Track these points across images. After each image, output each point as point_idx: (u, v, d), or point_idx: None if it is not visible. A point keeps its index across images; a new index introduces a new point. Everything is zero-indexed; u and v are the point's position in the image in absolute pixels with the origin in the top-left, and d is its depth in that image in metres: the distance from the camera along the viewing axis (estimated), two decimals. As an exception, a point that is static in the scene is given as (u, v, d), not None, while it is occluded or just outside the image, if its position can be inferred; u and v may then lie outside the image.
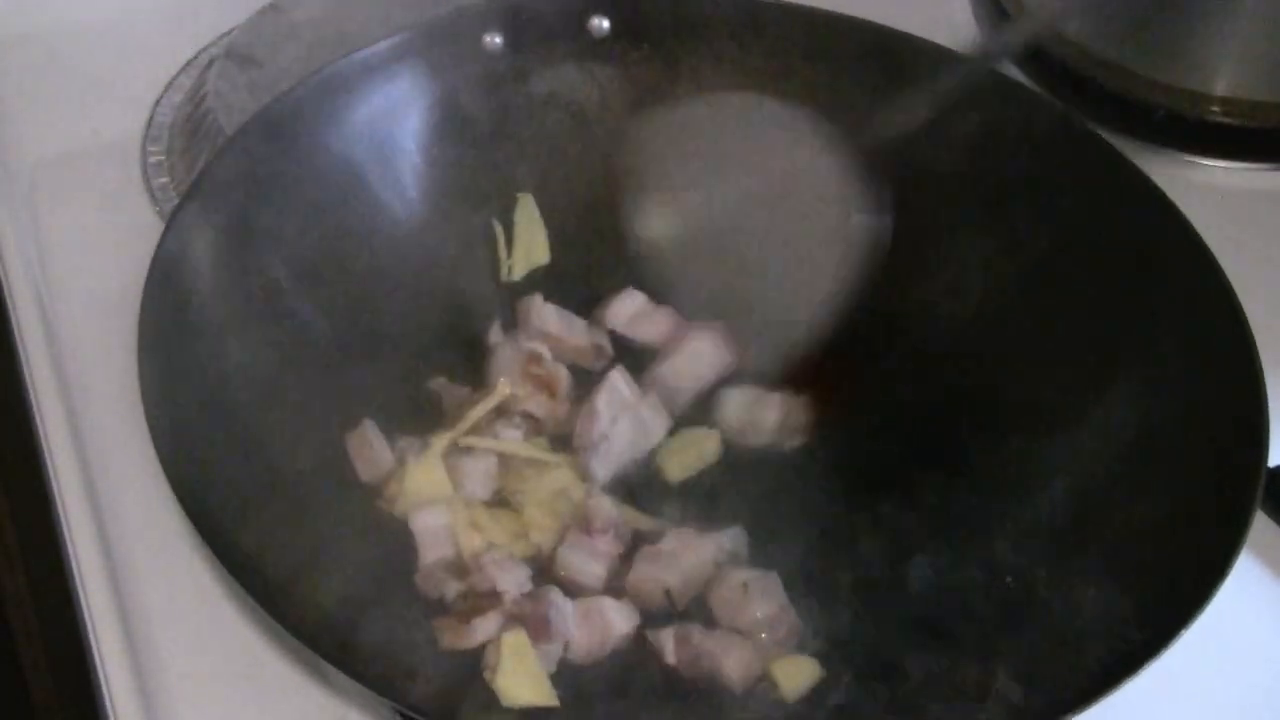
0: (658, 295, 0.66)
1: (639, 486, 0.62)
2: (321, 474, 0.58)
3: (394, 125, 0.66)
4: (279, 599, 0.49)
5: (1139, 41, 0.81)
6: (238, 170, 0.61)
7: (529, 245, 0.68)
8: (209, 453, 0.53)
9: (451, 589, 0.56)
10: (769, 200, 0.61)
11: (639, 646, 0.56)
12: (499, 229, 0.68)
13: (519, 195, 0.68)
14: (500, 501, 0.60)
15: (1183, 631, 0.48)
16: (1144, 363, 0.60)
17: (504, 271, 0.67)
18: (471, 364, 0.65)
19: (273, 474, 0.56)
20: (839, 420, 0.64)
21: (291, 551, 0.53)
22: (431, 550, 0.57)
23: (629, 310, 0.67)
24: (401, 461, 0.60)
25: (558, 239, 0.69)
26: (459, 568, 0.57)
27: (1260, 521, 0.61)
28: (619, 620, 0.56)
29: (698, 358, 0.64)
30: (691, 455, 0.62)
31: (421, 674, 0.53)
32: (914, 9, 0.73)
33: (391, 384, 0.63)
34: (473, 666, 0.54)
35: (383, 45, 0.65)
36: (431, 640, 0.55)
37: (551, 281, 0.68)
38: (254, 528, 0.52)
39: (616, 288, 0.67)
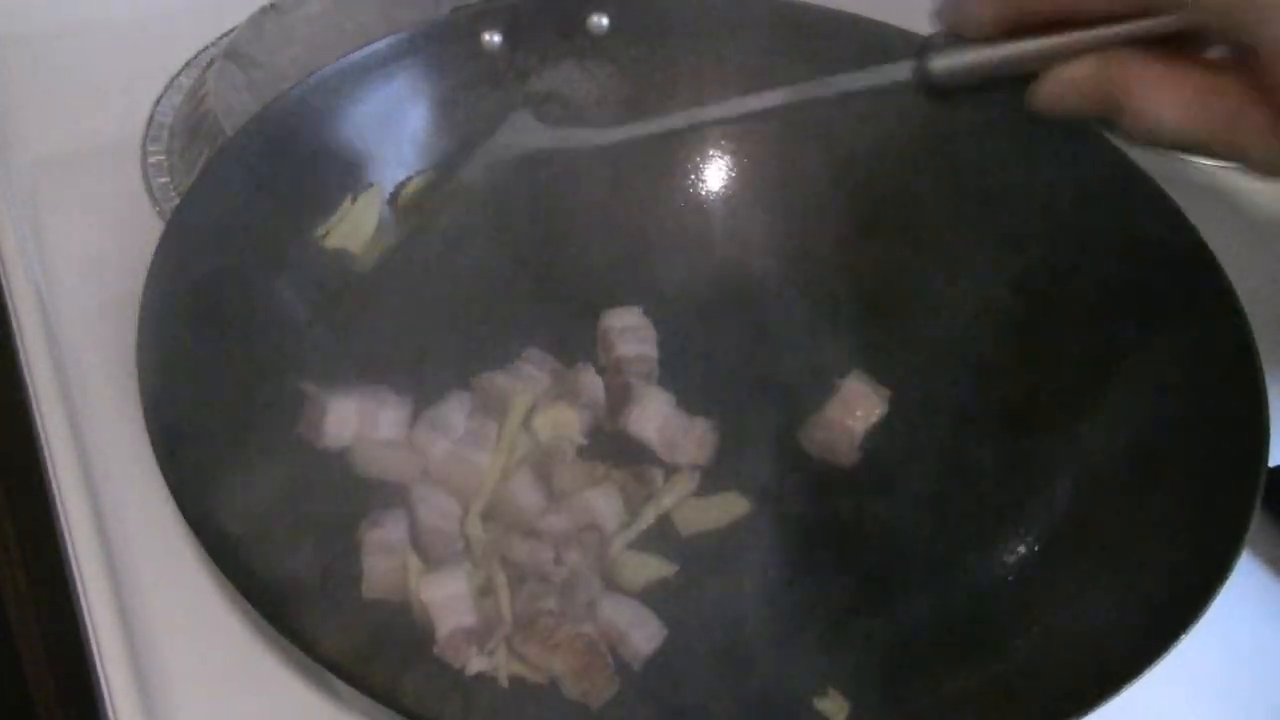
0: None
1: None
2: (328, 480, 0.58)
3: (394, 125, 0.66)
4: (294, 619, 0.49)
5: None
6: (238, 171, 0.61)
7: (354, 230, 0.65)
8: (211, 459, 0.53)
9: (475, 661, 0.54)
10: None
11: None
12: (349, 199, 0.65)
13: (372, 184, 0.65)
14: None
15: (1185, 634, 0.48)
16: (1144, 362, 0.60)
17: (319, 231, 0.64)
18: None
19: (278, 482, 0.56)
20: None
21: (303, 565, 0.53)
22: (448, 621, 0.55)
23: (624, 323, 0.66)
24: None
25: (555, 239, 0.69)
26: (482, 635, 0.55)
27: (1260, 521, 0.60)
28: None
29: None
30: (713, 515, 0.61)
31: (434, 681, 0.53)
32: (914, 6, 0.73)
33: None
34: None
35: (382, 45, 0.65)
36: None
37: (549, 283, 0.68)
38: (262, 540, 0.52)
39: (612, 291, 0.67)
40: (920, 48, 0.52)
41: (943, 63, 0.51)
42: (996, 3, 0.49)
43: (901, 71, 0.52)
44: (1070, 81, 0.48)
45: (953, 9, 0.51)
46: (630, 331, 0.66)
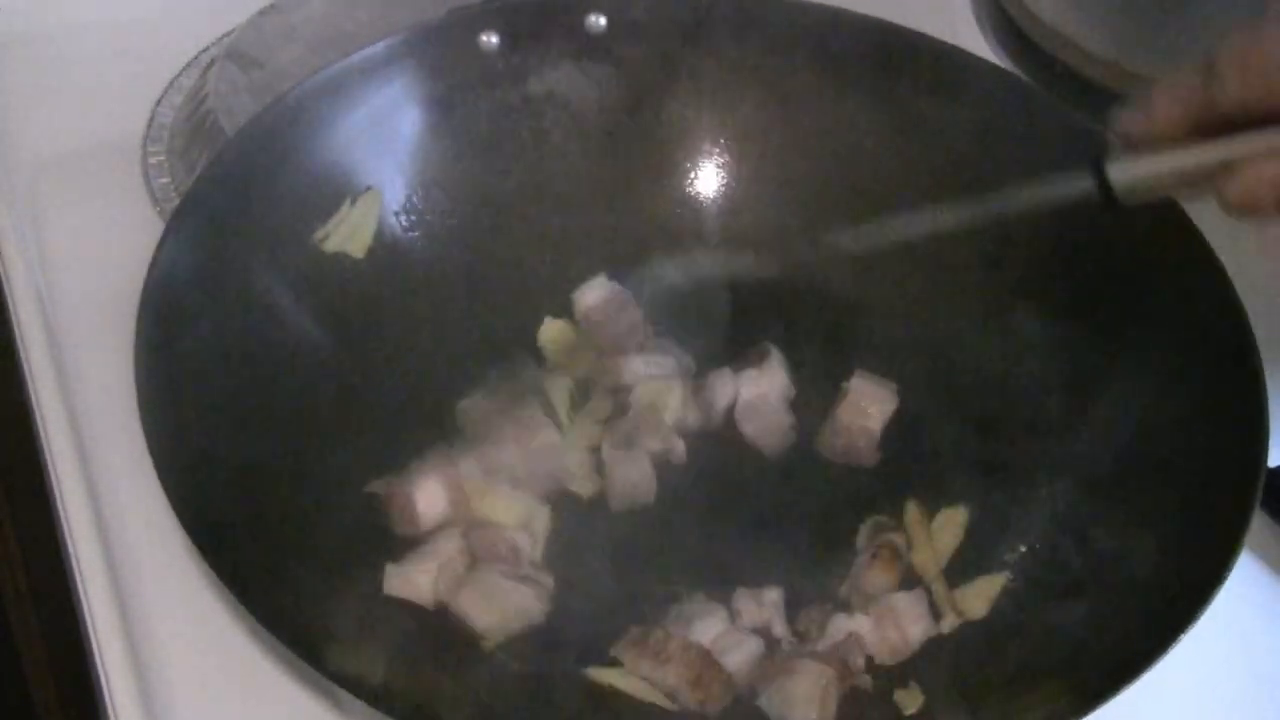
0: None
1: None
2: (324, 483, 0.58)
3: (391, 127, 0.66)
4: (277, 612, 0.49)
5: (1140, 42, 0.81)
6: (238, 172, 0.61)
7: (353, 234, 0.65)
8: (209, 465, 0.53)
9: None
10: None
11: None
12: (348, 202, 0.65)
13: (369, 188, 0.65)
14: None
15: (1184, 634, 0.48)
16: (1144, 362, 0.59)
17: (318, 235, 0.64)
18: (492, 372, 0.64)
19: (275, 487, 0.56)
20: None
21: (298, 569, 0.53)
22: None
23: (596, 298, 0.66)
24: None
25: (553, 241, 0.69)
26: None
27: (1260, 522, 0.60)
28: None
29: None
30: None
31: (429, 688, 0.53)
32: (914, 6, 0.73)
33: (397, 400, 0.62)
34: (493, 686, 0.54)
35: (380, 46, 0.65)
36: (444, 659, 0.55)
37: (545, 286, 0.68)
38: (257, 544, 0.52)
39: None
40: (1095, 156, 0.49)
41: (1127, 172, 0.49)
42: (1183, 105, 0.47)
43: (1079, 183, 0.50)
44: (1270, 181, 0.45)
45: (1137, 115, 0.48)
46: (609, 303, 0.66)
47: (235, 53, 0.77)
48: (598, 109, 0.69)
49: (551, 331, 0.66)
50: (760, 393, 0.63)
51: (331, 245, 0.64)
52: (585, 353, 0.66)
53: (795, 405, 0.64)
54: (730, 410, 0.63)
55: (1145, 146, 0.49)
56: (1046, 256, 0.64)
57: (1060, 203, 0.51)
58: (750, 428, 0.63)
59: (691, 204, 0.70)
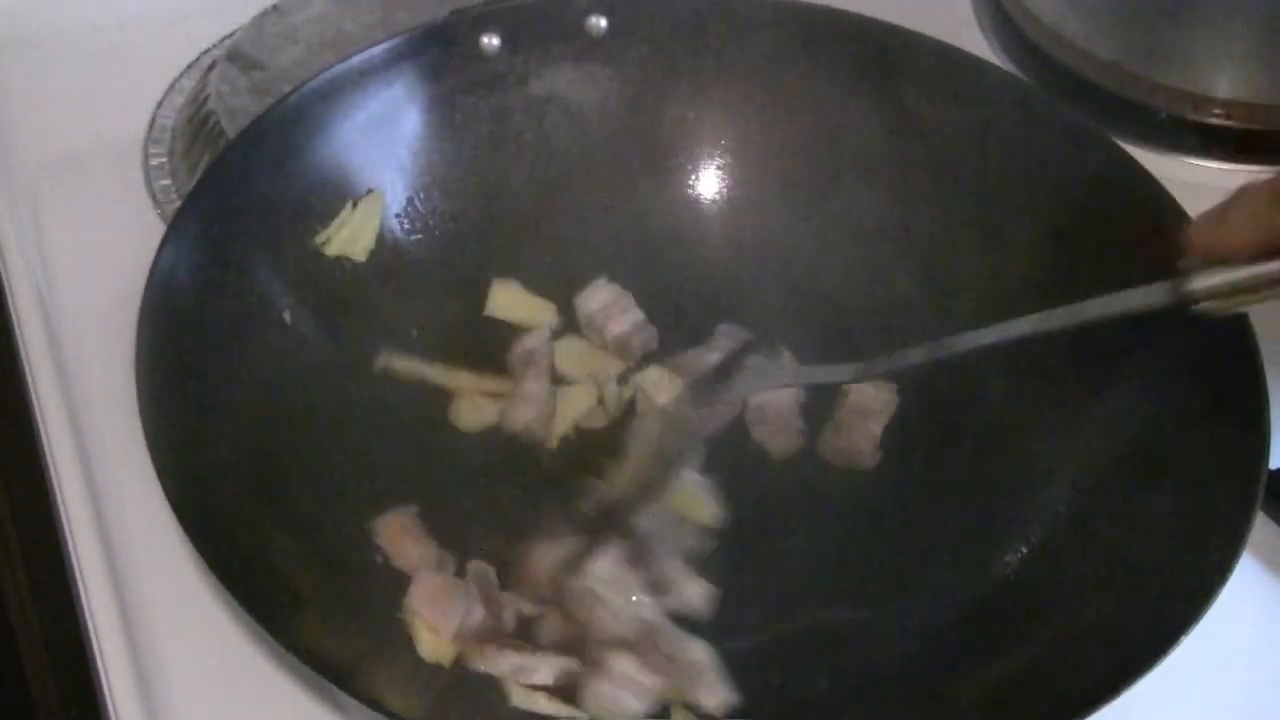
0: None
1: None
2: (324, 485, 0.58)
3: (393, 129, 0.66)
4: (279, 617, 0.49)
5: (1141, 44, 0.81)
6: (239, 174, 0.61)
7: (355, 236, 0.65)
8: (209, 466, 0.54)
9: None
10: None
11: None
12: (349, 205, 0.65)
13: (371, 190, 0.65)
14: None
15: (1185, 636, 0.48)
16: (1145, 364, 0.59)
17: (319, 239, 0.64)
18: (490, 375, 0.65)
19: (275, 487, 0.56)
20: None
21: (294, 567, 0.53)
22: None
23: (599, 302, 0.66)
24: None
25: (554, 243, 0.69)
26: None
27: (1261, 523, 0.60)
28: None
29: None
30: None
31: (422, 688, 0.53)
32: (914, 7, 0.73)
33: (399, 402, 0.63)
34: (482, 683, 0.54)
35: (382, 48, 0.65)
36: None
37: (547, 288, 0.68)
38: (255, 542, 0.53)
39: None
40: (1175, 270, 0.53)
41: (1203, 283, 0.52)
42: (1253, 230, 0.50)
43: (1158, 294, 0.53)
44: None
45: (1208, 238, 0.52)
46: (612, 305, 0.66)
47: (236, 54, 0.77)
48: (598, 111, 0.70)
49: (560, 348, 0.66)
50: (770, 396, 0.63)
51: (333, 249, 0.64)
52: (600, 360, 0.66)
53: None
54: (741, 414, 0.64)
55: (1222, 261, 0.51)
56: (1049, 261, 0.64)
57: (1138, 313, 0.53)
58: (759, 431, 0.63)
59: (692, 205, 0.71)
